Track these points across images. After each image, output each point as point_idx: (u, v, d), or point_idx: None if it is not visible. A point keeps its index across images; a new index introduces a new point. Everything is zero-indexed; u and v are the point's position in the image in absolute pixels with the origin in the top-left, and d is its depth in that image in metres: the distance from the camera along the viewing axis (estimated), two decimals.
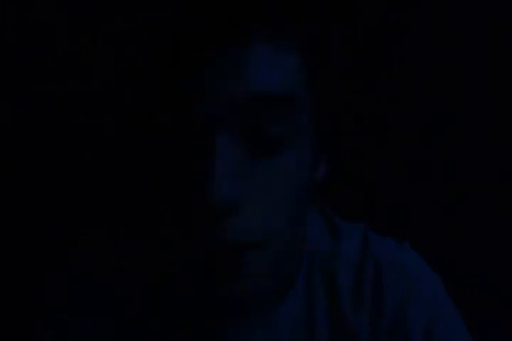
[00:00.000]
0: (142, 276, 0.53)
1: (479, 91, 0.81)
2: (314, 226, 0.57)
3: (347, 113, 0.77)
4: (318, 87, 0.44)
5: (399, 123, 0.81)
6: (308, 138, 0.44)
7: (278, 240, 0.43)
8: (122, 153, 0.74)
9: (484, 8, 0.79)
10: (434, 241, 0.71)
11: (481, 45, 0.80)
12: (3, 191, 0.75)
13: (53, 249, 0.73)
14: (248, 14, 0.39)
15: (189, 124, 0.41)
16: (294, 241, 0.51)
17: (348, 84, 0.73)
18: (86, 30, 0.72)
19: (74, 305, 0.53)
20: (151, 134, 0.42)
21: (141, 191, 0.69)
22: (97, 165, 0.75)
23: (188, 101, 0.40)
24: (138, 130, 0.44)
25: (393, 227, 0.60)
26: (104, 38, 0.71)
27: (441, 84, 0.81)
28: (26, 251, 0.75)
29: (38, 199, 0.75)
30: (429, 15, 0.79)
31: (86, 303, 0.53)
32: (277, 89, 0.40)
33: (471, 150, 0.82)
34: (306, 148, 0.44)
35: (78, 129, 0.74)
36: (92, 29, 0.71)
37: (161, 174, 0.43)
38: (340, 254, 0.55)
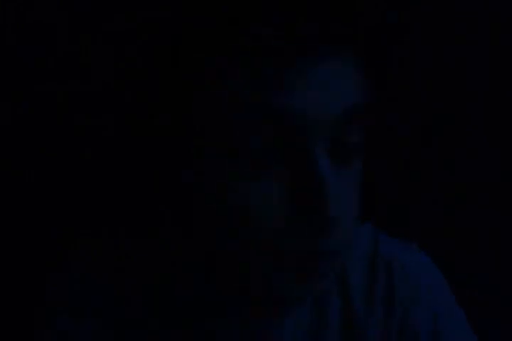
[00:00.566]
0: (142, 276, 0.53)
1: (479, 91, 0.81)
2: None
3: None
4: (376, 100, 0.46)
5: (399, 123, 0.81)
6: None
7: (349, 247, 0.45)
8: (122, 153, 0.74)
9: (484, 8, 0.79)
10: (434, 241, 0.71)
11: (481, 45, 0.80)
12: (3, 191, 0.75)
13: (53, 249, 0.73)
14: (311, 28, 0.39)
15: (281, 137, 0.40)
16: None
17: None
18: (86, 30, 0.72)
19: (74, 305, 0.53)
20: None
21: (142, 192, 0.69)
22: (97, 165, 0.75)
23: (281, 115, 0.39)
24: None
25: (393, 227, 0.60)
26: (104, 38, 0.71)
27: (441, 84, 0.80)
28: (26, 251, 0.75)
29: (38, 199, 0.75)
30: (429, 15, 0.79)
31: (86, 303, 0.53)
32: (358, 100, 0.41)
33: (471, 150, 0.82)
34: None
35: (78, 129, 0.74)
36: (92, 29, 0.71)
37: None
38: (352, 256, 0.55)
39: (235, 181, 0.40)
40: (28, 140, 0.74)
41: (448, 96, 0.81)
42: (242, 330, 0.52)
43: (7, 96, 0.73)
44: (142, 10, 0.43)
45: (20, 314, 0.72)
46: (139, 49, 0.44)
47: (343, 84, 0.41)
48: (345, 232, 0.42)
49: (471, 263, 0.82)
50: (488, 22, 0.79)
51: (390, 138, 0.81)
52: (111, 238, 0.56)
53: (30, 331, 0.55)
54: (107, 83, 0.72)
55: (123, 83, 0.63)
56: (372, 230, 0.58)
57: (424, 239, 0.61)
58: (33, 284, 0.71)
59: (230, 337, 0.52)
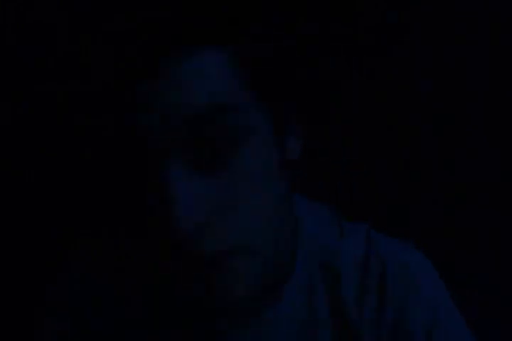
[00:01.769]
0: (142, 276, 0.53)
1: (479, 91, 0.81)
2: (319, 225, 0.57)
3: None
4: (259, 88, 0.43)
5: (399, 123, 0.81)
6: (262, 133, 0.43)
7: (261, 242, 0.44)
8: (123, 153, 0.74)
9: (484, 8, 0.79)
10: (434, 241, 0.71)
11: (481, 45, 0.80)
12: (3, 191, 0.75)
13: (53, 249, 0.73)
14: (178, 28, 0.39)
15: (142, 149, 0.42)
16: (281, 238, 0.50)
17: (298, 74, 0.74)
18: (86, 30, 0.72)
19: (74, 305, 0.53)
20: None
21: (141, 191, 0.69)
22: (97, 165, 0.75)
23: (132, 115, 0.41)
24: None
25: (393, 227, 0.60)
26: (104, 38, 0.71)
27: (441, 84, 0.81)
28: (26, 251, 0.75)
29: (38, 199, 0.75)
30: (429, 15, 0.79)
31: (86, 303, 0.53)
32: (220, 100, 0.40)
33: (471, 150, 0.82)
34: (260, 145, 0.43)
35: (78, 129, 0.74)
36: (92, 29, 0.71)
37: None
38: (344, 254, 0.55)
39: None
40: (28, 140, 0.74)
41: (448, 96, 0.81)
42: (241, 330, 0.52)
43: (7, 96, 0.73)
44: (142, 10, 0.43)
45: (20, 314, 0.72)
46: (139, 49, 0.44)
47: (201, 83, 0.40)
48: (224, 232, 0.41)
49: (471, 263, 0.82)
50: (488, 22, 0.79)
51: (390, 138, 0.81)
52: (111, 238, 0.56)
53: (30, 331, 0.55)
54: (107, 83, 0.72)
55: (123, 83, 0.62)
56: (366, 230, 0.58)
57: (424, 239, 0.61)
58: (33, 284, 0.71)
59: (229, 337, 0.52)
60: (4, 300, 0.74)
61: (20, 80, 0.73)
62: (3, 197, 0.75)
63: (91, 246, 0.56)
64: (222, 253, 0.42)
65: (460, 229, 0.82)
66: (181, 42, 0.39)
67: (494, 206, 0.83)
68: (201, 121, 0.40)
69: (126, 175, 0.43)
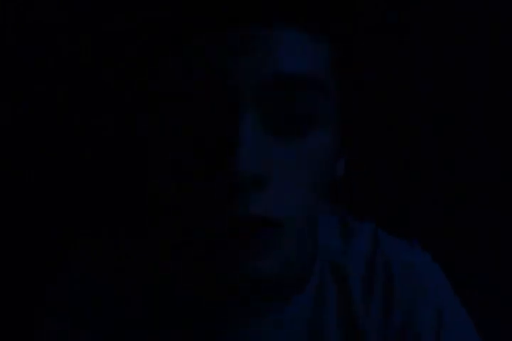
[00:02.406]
0: (142, 276, 0.53)
1: (479, 91, 0.81)
2: (327, 225, 0.57)
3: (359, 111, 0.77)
4: (344, 79, 0.45)
5: (399, 123, 0.81)
6: (332, 126, 0.44)
7: (298, 222, 0.43)
8: (122, 152, 0.74)
9: (484, 8, 0.79)
10: (434, 241, 0.71)
11: (481, 45, 0.80)
12: (3, 191, 0.75)
13: (53, 249, 0.73)
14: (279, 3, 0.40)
15: (216, 101, 0.41)
16: (311, 228, 0.51)
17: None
18: (86, 30, 0.72)
19: (74, 305, 0.53)
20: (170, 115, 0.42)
21: (142, 189, 0.69)
22: (97, 165, 0.75)
23: (218, 77, 0.40)
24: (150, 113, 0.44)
25: (393, 227, 0.60)
26: (104, 38, 0.71)
27: (441, 84, 0.80)
28: (26, 251, 0.75)
29: (38, 199, 0.75)
30: (429, 15, 0.79)
31: (86, 303, 0.53)
32: (303, 71, 0.41)
33: (471, 150, 0.82)
34: (330, 135, 0.44)
35: (78, 129, 0.74)
36: (92, 29, 0.71)
37: (179, 157, 0.43)
38: (352, 254, 0.55)
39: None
40: (28, 140, 0.74)
41: (448, 96, 0.81)
42: (241, 330, 0.52)
43: (7, 96, 0.73)
44: (143, 9, 0.43)
45: (20, 314, 0.72)
46: (139, 49, 0.44)
47: (291, 53, 0.40)
48: (276, 198, 0.41)
49: (471, 263, 0.82)
50: (488, 22, 0.79)
51: (390, 138, 0.81)
52: (111, 238, 0.56)
53: (30, 331, 0.55)
54: (107, 83, 0.72)
55: (123, 83, 0.63)
56: (373, 229, 0.58)
57: (424, 239, 0.61)
58: (33, 284, 0.71)
59: (230, 337, 0.52)
60: (4, 300, 0.74)
61: (20, 80, 0.73)
62: (3, 197, 0.75)
63: (91, 246, 0.56)
64: (257, 219, 0.41)
65: (460, 229, 0.82)
66: (278, 14, 0.40)
67: (494, 206, 0.83)
68: (280, 85, 0.40)
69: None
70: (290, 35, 0.41)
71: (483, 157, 0.82)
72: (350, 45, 0.46)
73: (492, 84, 0.81)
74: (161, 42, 0.42)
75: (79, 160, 0.75)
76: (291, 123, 0.42)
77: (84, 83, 0.73)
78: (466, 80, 0.80)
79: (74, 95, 0.74)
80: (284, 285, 0.52)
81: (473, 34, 0.79)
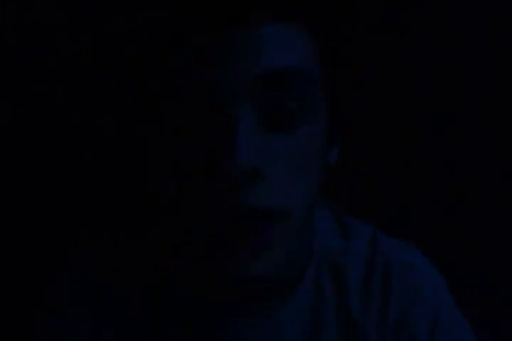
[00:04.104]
0: (142, 276, 0.53)
1: (479, 91, 0.81)
2: (325, 224, 0.57)
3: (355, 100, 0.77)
4: (331, 67, 0.46)
5: (399, 123, 0.81)
6: (321, 116, 0.45)
7: (299, 213, 0.44)
8: (122, 152, 0.74)
9: (484, 8, 0.79)
10: (434, 241, 0.71)
11: (481, 45, 0.80)
12: (3, 191, 0.75)
13: (53, 249, 0.73)
14: None
15: (215, 101, 0.41)
16: (309, 221, 0.51)
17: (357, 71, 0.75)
18: (86, 30, 0.72)
19: (74, 305, 0.53)
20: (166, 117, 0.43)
21: (142, 189, 0.69)
22: (97, 165, 0.75)
23: (217, 77, 0.40)
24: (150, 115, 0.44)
25: (393, 227, 0.60)
26: (104, 38, 0.71)
27: (441, 84, 0.80)
28: (26, 251, 0.75)
29: (38, 199, 0.75)
30: (429, 15, 0.79)
31: (86, 303, 0.53)
32: (291, 62, 0.41)
33: (471, 150, 0.82)
34: (319, 126, 0.44)
35: (78, 129, 0.74)
36: (92, 29, 0.71)
37: (178, 157, 0.43)
38: (350, 253, 0.55)
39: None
40: (28, 140, 0.74)
41: (448, 96, 0.81)
42: (241, 330, 0.52)
43: (7, 96, 0.73)
44: (143, 9, 0.43)
45: (20, 314, 0.72)
46: (139, 49, 0.44)
47: (275, 48, 0.41)
48: (276, 189, 0.42)
49: (471, 263, 0.82)
50: (488, 22, 0.79)
51: (390, 138, 0.81)
52: (111, 238, 0.56)
53: (30, 331, 0.55)
54: (107, 83, 0.72)
55: (123, 83, 0.63)
56: (371, 229, 0.58)
57: (424, 239, 0.61)
58: (33, 284, 0.71)
59: (229, 337, 0.52)
60: (4, 300, 0.74)
61: (20, 80, 0.73)
62: (3, 197, 0.75)
63: (91, 246, 0.56)
64: (258, 212, 0.41)
65: (460, 229, 0.82)
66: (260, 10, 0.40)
67: (494, 206, 0.83)
68: (269, 80, 0.41)
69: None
70: (279, 32, 0.41)
71: (483, 157, 0.82)
72: (336, 37, 0.46)
73: (492, 84, 0.81)
74: (161, 43, 0.42)
75: (79, 160, 0.75)
76: (283, 115, 0.42)
77: (85, 83, 0.73)
78: (466, 80, 0.80)
79: (74, 95, 0.74)
80: (283, 285, 0.52)
81: (473, 34, 0.79)
